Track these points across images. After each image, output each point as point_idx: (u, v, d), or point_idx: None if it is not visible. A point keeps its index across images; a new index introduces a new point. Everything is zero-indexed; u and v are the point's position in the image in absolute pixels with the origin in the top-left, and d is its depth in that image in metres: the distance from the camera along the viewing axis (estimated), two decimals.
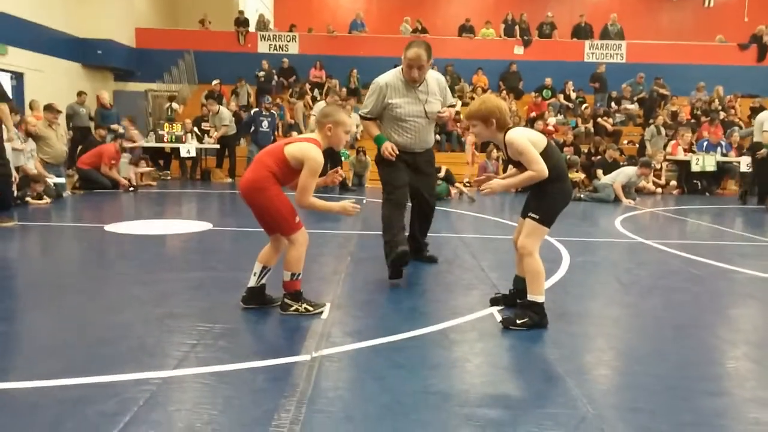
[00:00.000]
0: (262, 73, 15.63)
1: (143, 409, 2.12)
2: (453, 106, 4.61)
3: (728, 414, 2.24)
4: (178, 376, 2.44)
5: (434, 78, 4.40)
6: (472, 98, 15.41)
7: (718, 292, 4.21)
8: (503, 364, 2.73)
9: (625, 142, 14.20)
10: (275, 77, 16.14)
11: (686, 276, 4.61)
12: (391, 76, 4.26)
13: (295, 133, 11.68)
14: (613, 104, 15.54)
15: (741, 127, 13.66)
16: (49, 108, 8.73)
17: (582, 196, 10.11)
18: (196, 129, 12.17)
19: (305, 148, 3.20)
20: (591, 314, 3.51)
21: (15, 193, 7.24)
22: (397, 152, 4.24)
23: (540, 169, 3.07)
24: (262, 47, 17.57)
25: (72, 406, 2.13)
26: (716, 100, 15.06)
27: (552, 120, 14.10)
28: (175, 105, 14.25)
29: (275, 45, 17.65)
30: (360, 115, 4.45)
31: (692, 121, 14.29)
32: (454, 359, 2.74)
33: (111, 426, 1.98)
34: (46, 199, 7.67)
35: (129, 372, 2.43)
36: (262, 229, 3.41)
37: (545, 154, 3.12)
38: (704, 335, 3.18)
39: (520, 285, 3.40)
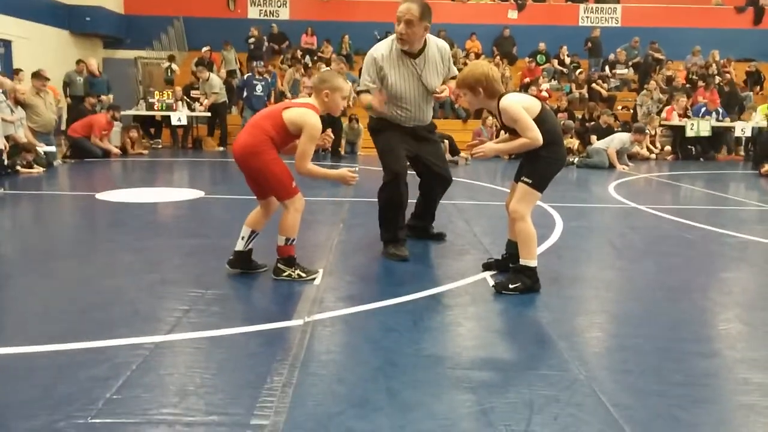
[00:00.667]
0: (251, 40, 15.36)
1: (136, 373, 2.12)
2: (454, 78, 3.87)
3: (718, 374, 2.26)
4: (171, 341, 2.44)
5: (435, 45, 3.87)
6: (465, 64, 15.26)
7: (711, 255, 4.22)
8: (495, 328, 2.74)
9: (620, 107, 14.12)
10: (266, 43, 15.85)
11: (679, 240, 4.62)
12: (385, 46, 3.81)
13: (289, 97, 11.57)
14: (607, 69, 15.39)
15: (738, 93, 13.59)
16: (36, 75, 8.58)
17: (575, 162, 10.08)
18: (186, 97, 11.99)
19: (304, 113, 3.15)
20: (584, 278, 3.52)
21: (5, 162, 7.16)
22: (383, 98, 3.78)
23: (534, 136, 3.03)
24: (252, 13, 17.23)
25: (65, 370, 2.13)
26: (713, 65, 14.92)
27: (545, 86, 13.97)
28: (174, 66, 14.02)
29: (265, 10, 17.31)
30: (357, 92, 3.99)
31: (687, 85, 14.18)
32: (447, 323, 2.75)
33: (104, 390, 1.98)
34: (37, 168, 7.59)
35: (121, 337, 2.43)
36: (251, 197, 3.38)
37: (539, 118, 3.08)
38: (696, 298, 3.19)
39: (512, 249, 3.40)
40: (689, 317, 2.89)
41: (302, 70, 14.55)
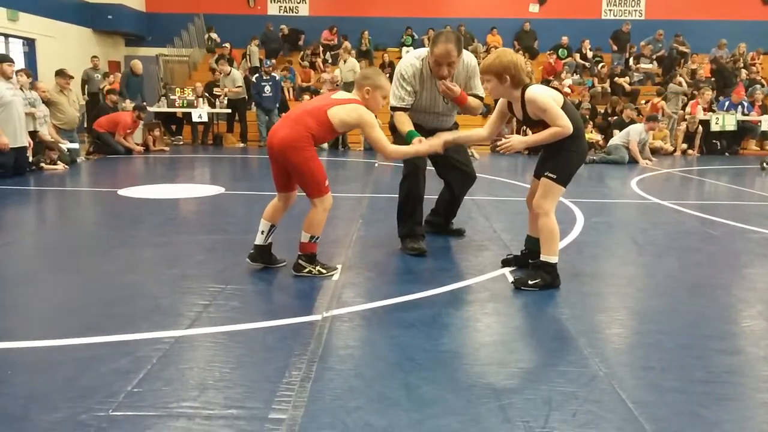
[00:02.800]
0: (256, 42, 15.33)
1: (156, 366, 2.15)
2: (480, 98, 3.94)
3: (741, 372, 2.22)
4: (191, 335, 2.47)
5: (462, 62, 3.78)
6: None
7: (734, 251, 4.15)
8: (514, 324, 2.72)
9: (643, 102, 13.91)
10: (281, 40, 15.88)
11: (702, 236, 4.55)
12: (417, 65, 3.76)
13: (307, 97, 11.58)
14: (631, 63, 15.16)
15: (763, 85, 13.30)
16: (60, 73, 8.71)
17: (595, 158, 9.94)
18: (207, 94, 12.09)
19: (353, 110, 3.14)
20: (604, 274, 3.48)
21: (30, 159, 7.29)
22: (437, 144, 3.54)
23: (565, 124, 2.98)
24: (272, 9, 17.31)
25: (87, 364, 2.16)
26: (740, 59, 14.61)
27: (567, 81, 13.80)
28: (214, 35, 14.09)
29: (285, 6, 17.37)
30: (392, 107, 3.83)
31: (712, 79, 13.91)
32: (466, 319, 2.74)
33: (125, 383, 2.01)
34: (61, 165, 7.72)
35: (142, 331, 2.46)
36: (271, 193, 3.40)
37: (563, 110, 3.05)
38: (719, 294, 3.14)
39: (532, 245, 3.37)
40: (712, 314, 2.84)
41: (321, 66, 14.60)
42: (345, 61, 13.37)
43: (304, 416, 1.84)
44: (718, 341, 2.49)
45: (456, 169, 4.08)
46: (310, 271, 3.28)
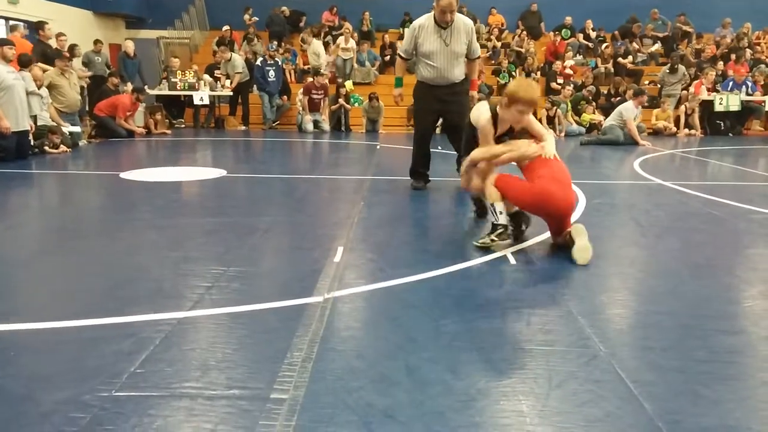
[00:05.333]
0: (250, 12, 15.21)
1: (159, 348, 2.16)
2: (477, 59, 5.33)
3: (742, 351, 2.23)
4: (193, 317, 2.48)
5: (462, 21, 5.04)
6: (489, 40, 15.01)
7: (737, 232, 4.14)
8: (515, 305, 2.72)
9: (647, 82, 13.79)
10: (285, 23, 15.72)
11: (705, 217, 4.54)
12: (424, 19, 5.06)
13: (310, 79, 11.52)
14: (634, 44, 14.99)
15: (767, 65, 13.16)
16: (60, 56, 8.66)
17: (590, 139, 9.86)
18: (207, 76, 12.01)
19: None
20: (606, 255, 3.48)
21: (32, 143, 7.28)
22: (402, 99, 5.57)
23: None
24: None
25: (90, 345, 2.18)
26: (744, 38, 14.44)
27: (570, 62, 13.65)
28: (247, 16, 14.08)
29: None
30: (398, 55, 5.45)
31: (717, 58, 13.76)
32: (467, 299, 2.74)
33: (128, 364, 2.02)
34: (63, 148, 7.71)
35: (145, 313, 2.47)
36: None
37: None
38: (721, 275, 3.14)
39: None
40: (713, 294, 2.84)
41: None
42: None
43: (306, 396, 1.85)
44: (720, 321, 2.50)
45: (451, 124, 5.28)
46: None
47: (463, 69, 5.20)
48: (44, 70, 8.39)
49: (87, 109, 10.60)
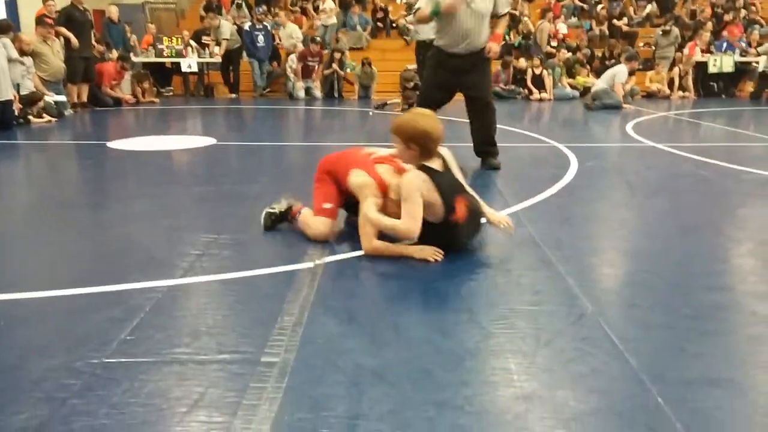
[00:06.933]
0: None
1: (149, 315, 2.17)
2: (503, 15, 4.54)
3: (727, 307, 2.26)
4: (184, 284, 2.48)
5: None
6: None
7: (726, 192, 4.15)
8: (505, 266, 2.74)
9: (641, 44, 13.65)
10: None
11: (695, 178, 4.55)
12: None
13: (301, 46, 11.27)
14: (630, 7, 14.76)
15: (762, 26, 13.03)
16: (41, 22, 8.47)
17: (590, 105, 9.76)
18: (194, 42, 11.80)
19: None
20: (596, 216, 3.50)
21: (16, 113, 7.18)
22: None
23: (412, 228, 2.66)
24: None
25: (80, 313, 2.18)
26: None
27: (562, 27, 13.42)
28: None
29: None
30: (414, 12, 4.64)
31: (712, 19, 13.61)
32: (457, 263, 2.75)
33: (118, 331, 2.03)
34: (48, 117, 7.60)
35: (135, 281, 2.47)
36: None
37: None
38: (709, 234, 3.16)
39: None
40: (701, 253, 2.87)
41: (313, 12, 14.20)
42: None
43: (296, 359, 1.87)
44: (706, 279, 2.52)
45: (469, 97, 4.62)
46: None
47: (489, 32, 4.46)
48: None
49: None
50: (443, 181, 2.73)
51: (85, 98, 9.19)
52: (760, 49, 11.46)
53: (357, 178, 2.90)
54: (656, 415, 1.57)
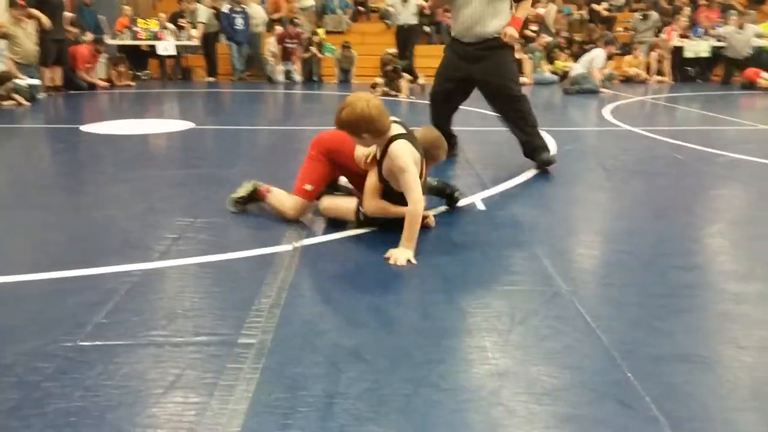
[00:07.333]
0: None
1: (124, 298, 2.15)
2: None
3: (697, 286, 2.31)
4: (160, 267, 2.46)
5: None
6: None
7: (699, 174, 4.22)
8: (482, 248, 2.75)
9: (620, 29, 13.71)
10: None
11: (670, 161, 4.61)
12: None
13: (279, 28, 11.15)
14: None
15: (739, 11, 13.16)
16: (14, 4, 8.25)
17: (568, 89, 9.80)
18: (171, 25, 11.59)
19: None
20: (573, 199, 3.54)
21: None
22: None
23: (417, 199, 2.57)
24: None
25: (53, 297, 2.16)
26: None
27: (542, 11, 13.39)
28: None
29: None
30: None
31: (690, 4, 13.70)
32: (435, 244, 2.77)
33: (92, 314, 2.01)
34: (19, 100, 7.44)
35: (110, 265, 2.45)
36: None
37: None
38: (681, 215, 3.21)
39: None
40: (674, 233, 2.92)
41: None
42: None
43: (274, 340, 1.87)
44: (679, 258, 2.57)
45: (487, 88, 4.15)
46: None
47: (505, 18, 3.97)
48: None
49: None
50: (415, 141, 2.74)
51: (58, 82, 9.00)
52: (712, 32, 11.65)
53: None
54: (627, 390, 1.61)
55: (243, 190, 3.17)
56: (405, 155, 2.59)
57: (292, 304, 2.13)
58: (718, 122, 6.76)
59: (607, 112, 7.34)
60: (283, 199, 3.07)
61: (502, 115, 4.25)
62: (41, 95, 8.26)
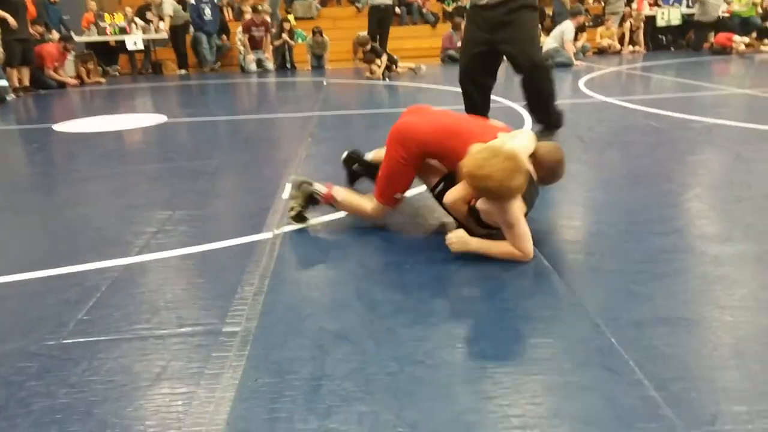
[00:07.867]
0: None
1: (105, 294, 2.13)
2: None
3: (676, 250, 2.33)
4: (140, 262, 2.44)
5: None
6: None
7: (675, 141, 4.26)
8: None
9: (591, 0, 13.74)
10: None
11: (645, 129, 4.65)
12: None
13: (248, 16, 10.98)
14: None
15: None
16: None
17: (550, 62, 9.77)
18: (138, 19, 11.38)
19: None
20: None
21: None
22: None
23: (527, 250, 2.23)
24: None
25: (33, 297, 2.13)
26: None
27: None
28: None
29: None
30: None
31: None
32: (416, 228, 2.77)
33: (74, 312, 1.99)
34: None
35: (89, 262, 2.42)
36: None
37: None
38: (659, 182, 3.25)
39: None
40: (651, 200, 2.95)
41: None
42: None
43: (258, 327, 1.86)
44: (657, 224, 2.60)
45: (510, 57, 3.97)
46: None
47: None
48: None
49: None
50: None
51: (26, 82, 8.81)
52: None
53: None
54: (610, 355, 1.63)
55: (295, 203, 2.74)
56: (515, 210, 2.20)
57: (276, 290, 2.12)
58: (692, 89, 6.83)
59: (581, 84, 7.37)
60: (363, 206, 2.70)
61: (523, 85, 4.06)
62: (10, 96, 8.09)
